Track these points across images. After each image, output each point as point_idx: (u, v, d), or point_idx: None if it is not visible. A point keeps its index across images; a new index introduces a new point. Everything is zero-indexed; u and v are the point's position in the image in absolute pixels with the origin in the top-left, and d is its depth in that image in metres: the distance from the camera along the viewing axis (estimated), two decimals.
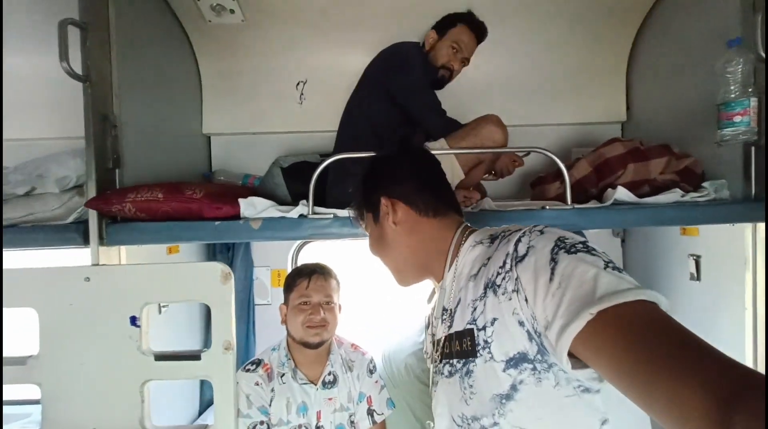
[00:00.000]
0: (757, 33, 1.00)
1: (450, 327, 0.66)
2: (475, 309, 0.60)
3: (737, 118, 1.03)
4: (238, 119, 1.64)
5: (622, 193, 1.07)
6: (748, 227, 1.07)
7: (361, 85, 1.31)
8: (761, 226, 1.05)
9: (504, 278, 0.56)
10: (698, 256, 1.27)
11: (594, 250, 0.52)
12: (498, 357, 0.56)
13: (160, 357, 0.92)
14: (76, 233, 1.03)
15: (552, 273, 0.50)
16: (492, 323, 0.57)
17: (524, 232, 0.57)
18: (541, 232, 0.56)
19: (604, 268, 0.48)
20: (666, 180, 1.15)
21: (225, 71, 1.59)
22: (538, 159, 1.48)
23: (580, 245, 0.52)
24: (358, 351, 1.22)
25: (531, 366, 0.54)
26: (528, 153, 1.23)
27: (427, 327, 0.81)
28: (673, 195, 1.09)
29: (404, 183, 0.73)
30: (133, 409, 0.90)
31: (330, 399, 1.12)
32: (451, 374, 0.64)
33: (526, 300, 0.52)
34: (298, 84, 1.62)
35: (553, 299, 0.49)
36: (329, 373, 1.14)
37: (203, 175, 1.63)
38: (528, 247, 0.55)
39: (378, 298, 2.80)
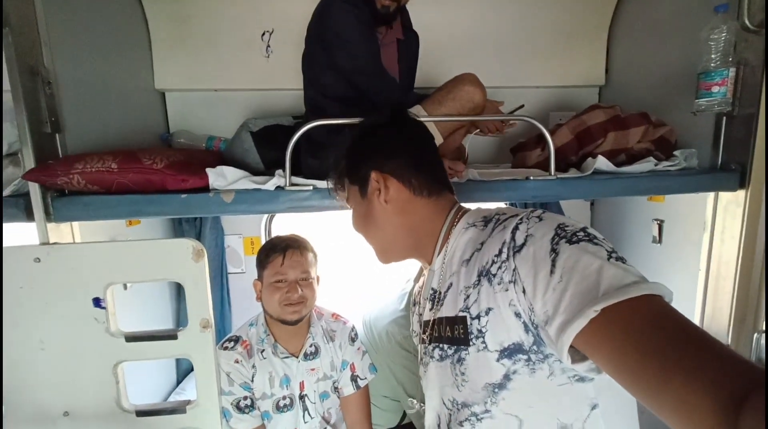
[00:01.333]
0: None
1: (439, 311, 0.64)
2: (468, 296, 0.58)
3: (715, 89, 1.04)
4: (196, 73, 1.46)
5: (602, 163, 1.08)
6: (709, 195, 1.14)
7: (305, 59, 1.16)
8: (723, 194, 1.11)
9: (500, 268, 0.53)
10: (662, 221, 1.35)
11: (596, 237, 0.49)
12: (492, 347, 0.55)
13: (133, 338, 0.88)
14: (15, 208, 0.91)
15: (553, 265, 0.48)
16: (487, 313, 0.55)
17: (521, 219, 0.54)
18: (540, 218, 0.53)
19: (608, 259, 0.46)
20: (642, 148, 1.17)
21: (176, 17, 1.38)
22: (519, 123, 1.46)
23: (582, 233, 0.49)
24: (339, 320, 1.22)
25: (525, 357, 0.54)
26: (513, 124, 1.19)
27: (414, 305, 0.79)
28: (648, 164, 1.12)
29: (398, 157, 0.66)
30: (108, 391, 0.87)
31: (312, 369, 1.13)
32: (442, 358, 0.63)
33: (524, 291, 0.50)
34: (263, 34, 1.45)
35: (554, 294, 0.47)
36: (311, 345, 1.14)
37: (160, 137, 1.47)
38: (526, 236, 0.52)
39: (356, 265, 2.81)
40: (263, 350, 1.10)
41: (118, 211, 0.91)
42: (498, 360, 0.55)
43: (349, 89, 1.13)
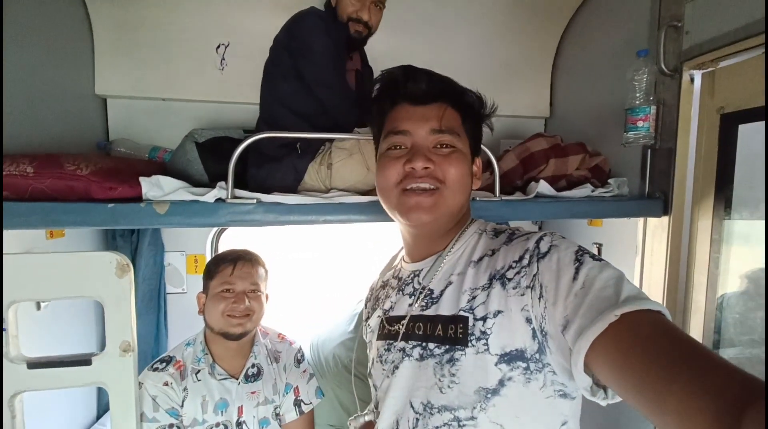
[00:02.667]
0: (660, 46, 1.11)
1: (427, 308, 0.63)
2: (474, 297, 0.58)
3: (640, 123, 1.14)
4: (143, 81, 1.39)
5: (543, 187, 1.14)
6: (640, 221, 1.23)
7: (268, 69, 1.16)
8: (650, 220, 1.20)
9: (519, 273, 0.55)
10: (600, 244, 1.43)
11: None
12: (493, 350, 0.55)
13: (36, 364, 0.77)
14: None
15: (576, 272, 0.50)
16: (495, 315, 0.55)
17: (545, 234, 0.58)
18: (562, 236, 0.57)
19: (626, 278, 0.49)
20: (580, 175, 1.25)
21: (124, 22, 1.33)
22: None
23: (600, 256, 0.53)
24: (285, 341, 1.16)
25: (525, 365, 0.54)
26: None
27: (372, 299, 0.78)
28: (585, 190, 1.19)
29: None
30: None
31: (253, 392, 1.05)
32: (422, 358, 0.61)
33: (541, 297, 0.52)
34: (218, 47, 1.42)
35: (575, 299, 0.48)
36: (252, 366, 1.07)
37: (97, 144, 1.37)
38: (551, 246, 0.55)
39: (307, 286, 2.74)
40: (199, 371, 1.02)
41: (31, 221, 0.81)
42: (496, 364, 0.55)
43: (308, 102, 1.12)
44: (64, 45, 1.23)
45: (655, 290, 1.18)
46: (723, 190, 1.05)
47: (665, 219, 1.15)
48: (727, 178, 1.04)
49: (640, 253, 1.23)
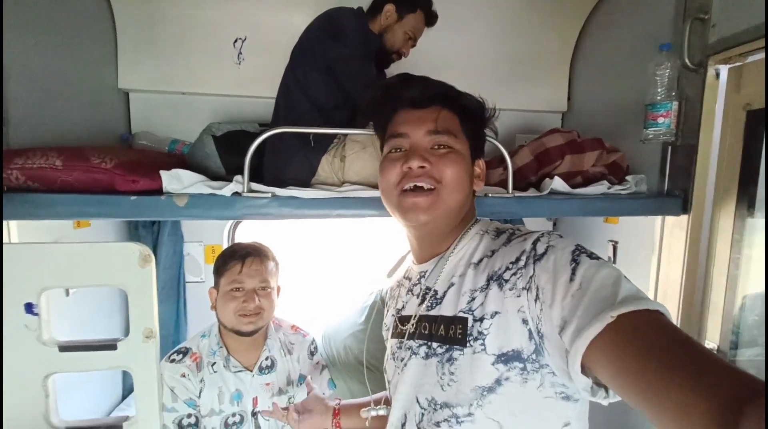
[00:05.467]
0: (684, 40, 1.07)
1: (432, 308, 0.65)
2: (473, 299, 0.59)
3: (661, 119, 1.11)
4: (163, 75, 1.43)
5: (558, 184, 1.12)
6: (658, 219, 1.20)
7: (296, 55, 1.19)
8: (668, 218, 1.17)
9: (515, 274, 0.55)
10: (616, 242, 1.40)
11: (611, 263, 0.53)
12: (490, 350, 0.56)
13: (67, 347, 0.82)
14: None
15: (573, 273, 0.50)
16: (492, 316, 0.56)
17: (543, 234, 0.58)
18: (560, 235, 0.57)
19: (624, 277, 0.49)
20: (596, 172, 1.23)
21: (146, 18, 1.36)
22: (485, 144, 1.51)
23: (598, 255, 0.53)
24: (299, 333, 1.19)
25: (521, 365, 0.54)
26: None
27: (389, 299, 0.80)
28: (601, 187, 1.17)
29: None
30: (35, 405, 0.79)
31: (267, 384, 1.09)
32: (427, 356, 0.63)
33: (537, 299, 0.52)
34: (236, 41, 1.44)
35: (572, 300, 0.48)
36: (266, 358, 1.10)
37: (121, 137, 1.42)
38: (547, 247, 0.55)
39: (320, 277, 2.78)
40: (214, 363, 1.05)
41: (60, 211, 0.86)
42: (493, 364, 0.56)
43: (329, 93, 1.14)
44: (88, 42, 1.27)
45: (671, 290, 1.16)
46: (747, 189, 1.02)
47: (684, 217, 1.12)
48: (751, 176, 1.01)
49: (657, 252, 1.21)
